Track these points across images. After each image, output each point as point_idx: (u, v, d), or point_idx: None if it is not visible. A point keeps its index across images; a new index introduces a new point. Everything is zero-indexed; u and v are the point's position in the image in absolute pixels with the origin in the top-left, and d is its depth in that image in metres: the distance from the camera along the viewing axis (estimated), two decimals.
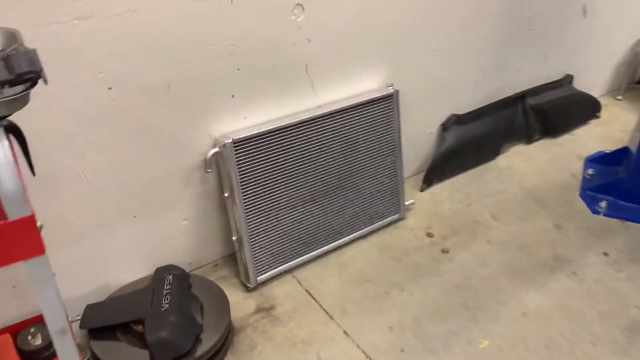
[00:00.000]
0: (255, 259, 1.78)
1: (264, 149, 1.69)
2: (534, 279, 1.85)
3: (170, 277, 1.68)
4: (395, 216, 2.11)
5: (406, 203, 2.14)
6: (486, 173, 2.45)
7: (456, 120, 2.35)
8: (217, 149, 1.64)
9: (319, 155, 1.82)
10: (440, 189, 2.34)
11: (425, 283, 1.83)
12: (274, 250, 1.81)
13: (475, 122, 2.41)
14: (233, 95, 1.67)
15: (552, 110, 2.63)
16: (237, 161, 1.65)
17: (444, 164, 2.32)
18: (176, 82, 1.53)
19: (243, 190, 1.68)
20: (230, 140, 1.61)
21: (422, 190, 2.31)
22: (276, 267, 1.84)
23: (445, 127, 2.34)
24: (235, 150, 1.64)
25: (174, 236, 1.76)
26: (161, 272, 1.70)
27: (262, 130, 1.67)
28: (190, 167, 1.68)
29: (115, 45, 1.39)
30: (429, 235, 2.06)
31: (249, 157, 1.67)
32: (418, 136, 2.31)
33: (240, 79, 1.66)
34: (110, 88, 1.42)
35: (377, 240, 2.04)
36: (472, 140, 2.39)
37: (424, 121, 2.29)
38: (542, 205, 2.22)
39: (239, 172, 1.66)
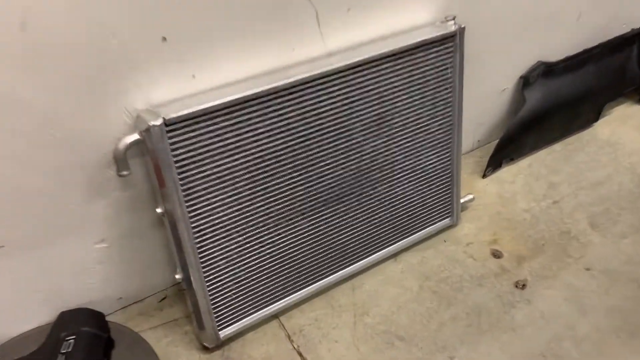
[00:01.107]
0: (217, 306, 1.10)
1: (225, 133, 0.97)
2: None
3: (72, 339, 1.03)
4: (445, 222, 1.38)
5: (462, 200, 1.40)
6: (580, 149, 1.67)
7: (544, 71, 1.56)
8: (136, 136, 0.93)
9: (324, 139, 1.09)
10: (513, 174, 1.59)
11: (490, 345, 1.14)
12: (246, 290, 1.13)
13: (572, 73, 1.61)
14: (165, 38, 0.93)
15: None
16: (175, 156, 0.94)
17: (521, 136, 1.55)
18: (37, 15, 0.80)
19: (189, 203, 0.98)
20: (160, 121, 0.89)
21: (485, 175, 1.56)
22: (251, 314, 1.16)
23: (527, 80, 1.55)
24: (171, 139, 0.92)
25: (84, 266, 1.09)
26: (61, 327, 1.07)
27: (221, 102, 0.94)
28: (97, 165, 0.98)
29: None
30: (495, 254, 1.34)
31: (197, 149, 0.95)
32: (484, 95, 1.53)
33: (176, 8, 0.91)
34: None
35: (415, 261, 1.34)
36: (565, 100, 1.60)
37: (495, 73, 1.51)
38: None
39: (180, 174, 0.95)
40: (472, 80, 1.44)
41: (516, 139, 1.54)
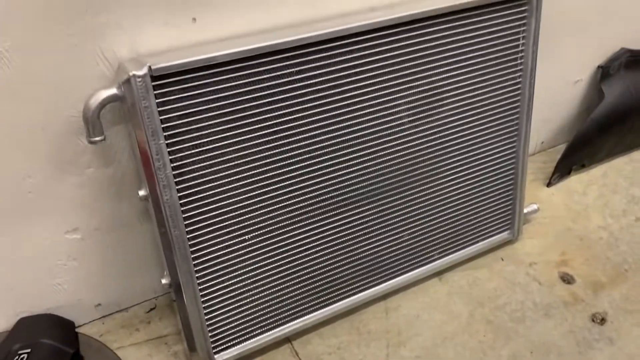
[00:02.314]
0: (212, 322, 0.87)
1: (231, 97, 0.74)
2: None
3: (26, 354, 0.82)
4: (503, 236, 1.13)
5: (525, 210, 1.14)
6: None
7: (628, 61, 1.30)
8: (113, 91, 0.71)
9: (358, 117, 0.86)
10: (584, 183, 1.32)
11: None
12: (250, 304, 0.89)
13: None
14: None
15: None
16: (164, 121, 0.71)
17: (596, 139, 1.29)
18: None
19: (180, 186, 0.75)
20: (144, 70, 0.67)
21: (550, 183, 1.30)
22: (255, 335, 0.92)
23: (606, 71, 1.30)
24: (160, 97, 0.70)
25: (52, 261, 0.87)
26: (16, 337, 0.86)
27: (226, 54, 0.71)
28: (64, 129, 0.76)
29: None
30: (565, 279, 1.08)
31: (193, 114, 0.73)
32: (553, 86, 1.28)
33: None
34: None
35: (465, 282, 1.08)
36: None
37: (568, 59, 1.26)
38: None
39: (170, 145, 0.73)
40: (540, 67, 1.19)
41: (590, 142, 1.28)
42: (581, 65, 1.29)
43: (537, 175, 1.34)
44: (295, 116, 0.79)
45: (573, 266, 1.10)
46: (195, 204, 0.77)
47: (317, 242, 0.91)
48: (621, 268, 1.09)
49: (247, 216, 0.82)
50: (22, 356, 0.80)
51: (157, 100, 0.70)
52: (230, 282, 0.85)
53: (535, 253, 1.13)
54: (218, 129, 0.75)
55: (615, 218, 1.21)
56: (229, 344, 0.90)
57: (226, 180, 0.78)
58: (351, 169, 0.88)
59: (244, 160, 0.78)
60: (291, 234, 0.87)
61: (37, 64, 0.70)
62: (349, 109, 0.84)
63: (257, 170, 0.80)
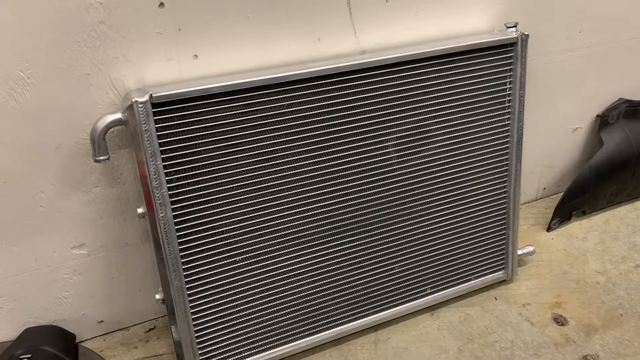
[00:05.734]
0: (202, 340, 0.91)
1: (226, 125, 0.82)
2: None
3: (27, 358, 0.87)
4: (497, 275, 1.14)
5: (519, 252, 1.16)
6: None
7: (627, 111, 1.33)
8: (118, 116, 0.79)
9: (349, 150, 0.91)
10: (584, 229, 1.33)
11: None
12: (240, 326, 0.93)
13: None
14: (162, 4, 0.80)
15: None
16: (163, 144, 0.79)
17: (596, 186, 1.31)
18: None
19: (176, 205, 0.82)
20: (146, 98, 0.75)
21: (550, 228, 1.31)
22: (244, 357, 0.95)
23: (605, 121, 1.33)
24: (159, 122, 0.78)
25: (58, 274, 0.94)
26: (21, 344, 0.92)
27: (221, 85, 0.79)
28: (75, 150, 0.85)
29: None
30: (558, 320, 1.08)
31: (189, 139, 0.80)
32: (552, 133, 1.32)
33: None
34: None
35: (456, 318, 1.09)
36: None
37: (566, 107, 1.30)
38: None
39: (168, 167, 0.80)
40: (538, 114, 1.25)
41: (589, 189, 1.30)
42: (580, 114, 1.33)
43: (538, 220, 1.36)
44: (284, 146, 0.86)
45: (567, 308, 1.11)
46: (188, 223, 0.83)
47: (306, 270, 0.95)
48: (616, 312, 1.09)
49: (237, 239, 0.88)
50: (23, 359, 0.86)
51: (156, 125, 0.77)
52: (220, 301, 0.90)
53: (530, 294, 1.14)
54: (212, 154, 0.82)
55: (614, 264, 1.22)
56: None
57: (219, 202, 0.84)
58: (339, 200, 0.93)
59: (236, 185, 0.85)
60: (280, 259, 0.92)
61: (53, 90, 0.79)
62: (337, 142, 0.89)
63: (249, 195, 0.86)
